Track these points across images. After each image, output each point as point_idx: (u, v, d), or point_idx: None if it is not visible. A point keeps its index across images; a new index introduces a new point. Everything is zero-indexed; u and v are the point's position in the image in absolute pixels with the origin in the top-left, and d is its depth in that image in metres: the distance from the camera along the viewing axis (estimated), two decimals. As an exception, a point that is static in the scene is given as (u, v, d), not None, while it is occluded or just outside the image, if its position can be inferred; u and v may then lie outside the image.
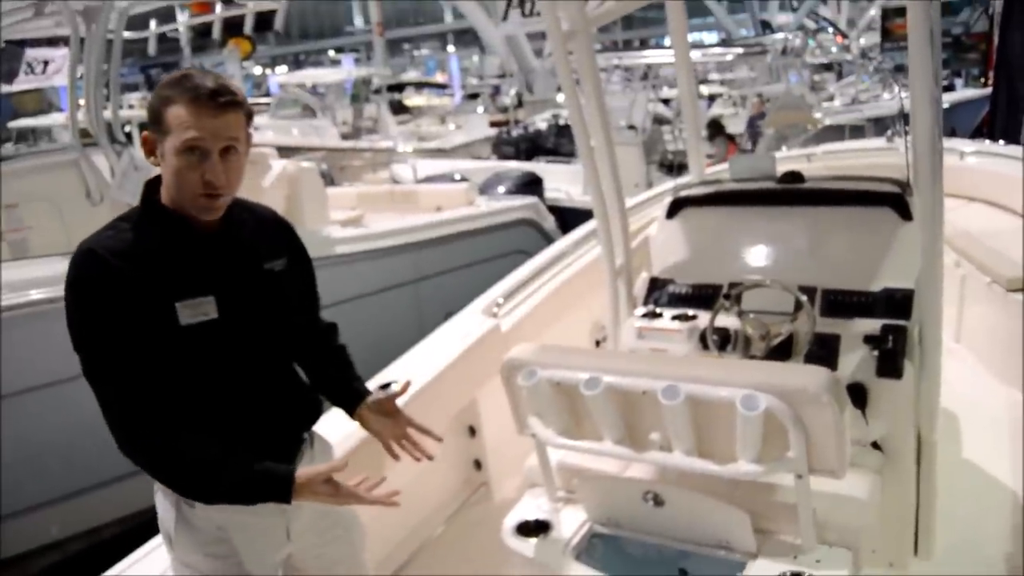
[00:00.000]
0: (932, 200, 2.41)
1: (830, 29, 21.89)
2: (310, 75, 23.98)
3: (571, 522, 2.40)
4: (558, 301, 4.13)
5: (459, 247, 7.73)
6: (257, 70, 38.23)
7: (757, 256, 3.05)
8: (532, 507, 2.48)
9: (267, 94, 25.84)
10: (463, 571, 3.12)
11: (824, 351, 2.63)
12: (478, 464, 3.71)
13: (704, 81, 20.71)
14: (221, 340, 1.84)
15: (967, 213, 5.30)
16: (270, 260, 1.97)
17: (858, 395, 2.54)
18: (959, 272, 4.55)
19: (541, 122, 16.57)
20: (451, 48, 49.00)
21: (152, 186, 1.86)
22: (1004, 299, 4.10)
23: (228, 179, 1.78)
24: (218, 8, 10.79)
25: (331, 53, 49.19)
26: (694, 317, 2.95)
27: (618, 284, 3.37)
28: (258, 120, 16.76)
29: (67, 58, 7.33)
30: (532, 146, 15.36)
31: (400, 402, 2.20)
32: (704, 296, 3.00)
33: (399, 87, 25.90)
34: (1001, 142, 6.51)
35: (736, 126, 14.23)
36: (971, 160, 5.72)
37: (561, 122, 15.30)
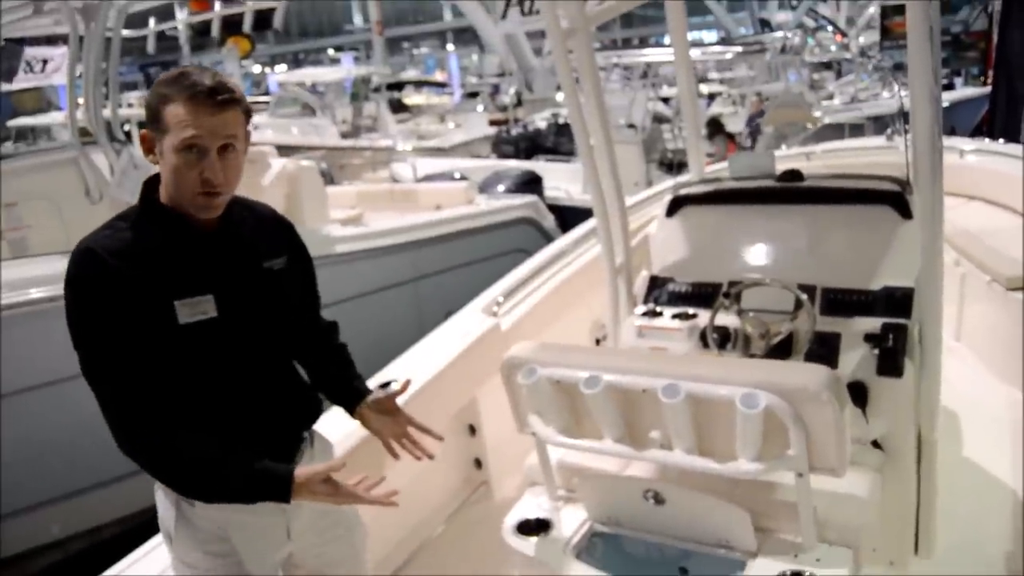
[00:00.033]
0: (932, 198, 2.41)
1: (829, 27, 21.88)
2: (309, 74, 23.95)
3: (571, 521, 2.40)
4: (558, 300, 4.13)
5: (459, 246, 7.73)
6: (256, 69, 38.19)
7: (757, 254, 3.05)
8: (532, 506, 2.48)
9: (266, 93, 25.81)
10: (463, 570, 3.12)
11: (824, 350, 2.63)
12: (478, 463, 3.71)
13: (703, 80, 20.67)
14: (220, 339, 1.84)
15: (967, 211, 5.30)
16: (269, 258, 1.96)
17: (858, 393, 2.54)
18: (959, 270, 4.55)
19: (541, 121, 16.55)
20: (450, 47, 48.96)
21: (151, 184, 1.86)
22: (1004, 298, 4.10)
23: (227, 177, 1.78)
24: (217, 6, 10.80)
25: (330, 52, 49.14)
26: (694, 316, 2.95)
27: (618, 283, 3.37)
28: (257, 119, 16.74)
29: (66, 56, 7.32)
30: (532, 145, 15.34)
31: (400, 401, 2.20)
32: (704, 295, 3.00)
33: (398, 86, 25.89)
34: (1001, 140, 6.51)
35: (736, 125, 14.21)
36: (971, 158, 5.72)
37: (561, 121, 15.28)
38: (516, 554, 2.36)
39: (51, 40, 7.82)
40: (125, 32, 7.72)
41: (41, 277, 4.88)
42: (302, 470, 1.81)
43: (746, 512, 2.12)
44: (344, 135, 17.55)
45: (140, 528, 2.39)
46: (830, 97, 15.38)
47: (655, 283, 3.21)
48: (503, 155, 15.04)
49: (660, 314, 3.02)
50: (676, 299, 3.10)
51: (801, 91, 13.13)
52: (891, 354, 2.54)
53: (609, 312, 3.42)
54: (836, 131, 10.19)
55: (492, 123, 19.15)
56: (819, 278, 2.80)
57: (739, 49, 14.50)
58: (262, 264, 1.95)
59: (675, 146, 12.20)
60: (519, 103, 20.73)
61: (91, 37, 6.86)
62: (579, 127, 3.32)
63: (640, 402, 2.15)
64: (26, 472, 4.88)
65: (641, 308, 3.12)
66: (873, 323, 2.64)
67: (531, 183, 9.88)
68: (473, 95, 26.04)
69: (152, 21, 12.02)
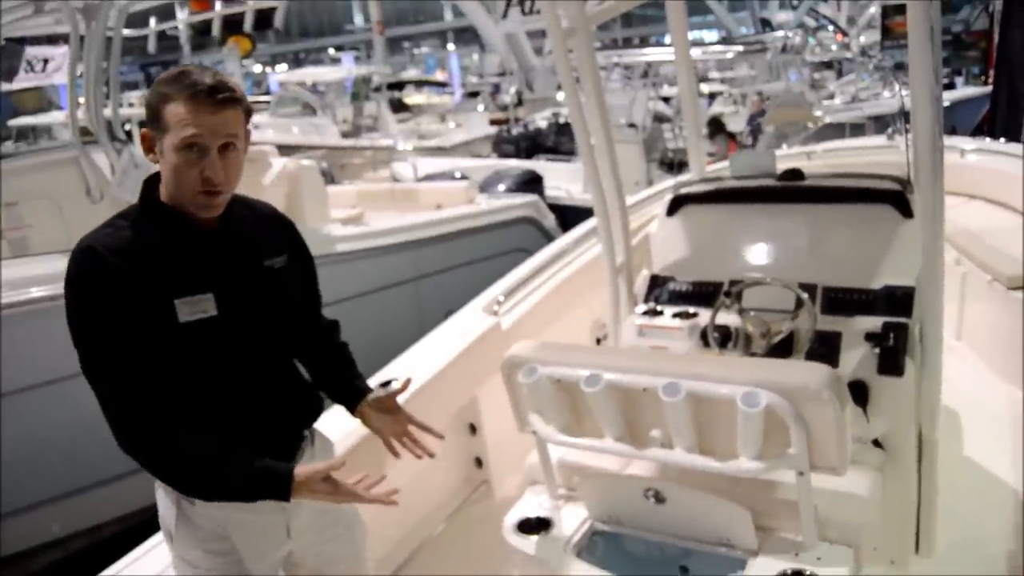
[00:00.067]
0: (933, 197, 2.40)
1: (830, 27, 21.89)
2: (310, 73, 23.95)
3: (572, 519, 2.40)
4: (558, 299, 4.13)
5: (459, 245, 7.73)
6: (257, 68, 38.18)
7: (758, 253, 3.05)
8: (533, 504, 2.48)
9: (267, 92, 25.81)
10: (464, 569, 3.12)
11: (825, 349, 2.63)
12: (479, 462, 3.71)
13: (704, 79, 20.67)
14: (220, 337, 1.83)
15: (968, 211, 5.30)
16: (270, 257, 1.96)
17: (859, 392, 2.54)
18: (960, 270, 4.55)
19: (541, 120, 16.55)
20: (451, 46, 48.96)
21: (151, 183, 1.86)
22: (1005, 297, 4.10)
23: (227, 176, 1.78)
24: (218, 6, 10.79)
25: (331, 51, 49.13)
26: (695, 315, 2.95)
27: (619, 282, 3.37)
28: (258, 118, 16.76)
29: (67, 56, 7.32)
30: (532, 144, 15.34)
31: (401, 399, 2.20)
32: (705, 294, 3.00)
33: (399, 85, 25.88)
34: (1002, 140, 6.51)
35: (737, 124, 14.21)
36: (972, 158, 5.72)
37: (561, 120, 15.28)
38: (517, 553, 2.36)
39: (52, 39, 7.83)
40: (126, 31, 7.72)
41: (42, 276, 4.88)
42: (302, 469, 1.80)
43: (747, 511, 2.12)
44: (345, 135, 17.54)
45: (140, 527, 2.40)
46: (831, 97, 15.38)
47: (656, 282, 3.21)
48: (504, 154, 15.04)
49: (661, 313, 3.02)
50: (677, 298, 3.10)
51: (802, 90, 13.14)
52: (892, 353, 2.54)
53: (610, 311, 3.42)
54: (837, 131, 10.19)
55: (493, 122, 19.15)
56: (820, 277, 2.80)
57: (740, 48, 14.48)
58: (262, 263, 1.95)
59: (676, 145, 12.19)
60: (520, 102, 20.74)
61: (92, 36, 6.86)
62: (580, 126, 3.32)
63: (641, 401, 2.15)
64: (27, 471, 4.88)
65: (642, 307, 3.12)
66: (874, 322, 2.64)
67: (532, 182, 9.87)
68: (474, 94, 26.04)
69: (153, 21, 12.01)
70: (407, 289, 7.32)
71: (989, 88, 10.85)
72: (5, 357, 4.76)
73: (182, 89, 1.72)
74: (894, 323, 2.60)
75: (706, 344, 2.85)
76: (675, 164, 11.57)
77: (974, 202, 5.47)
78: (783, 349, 2.68)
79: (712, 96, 18.71)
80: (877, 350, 2.57)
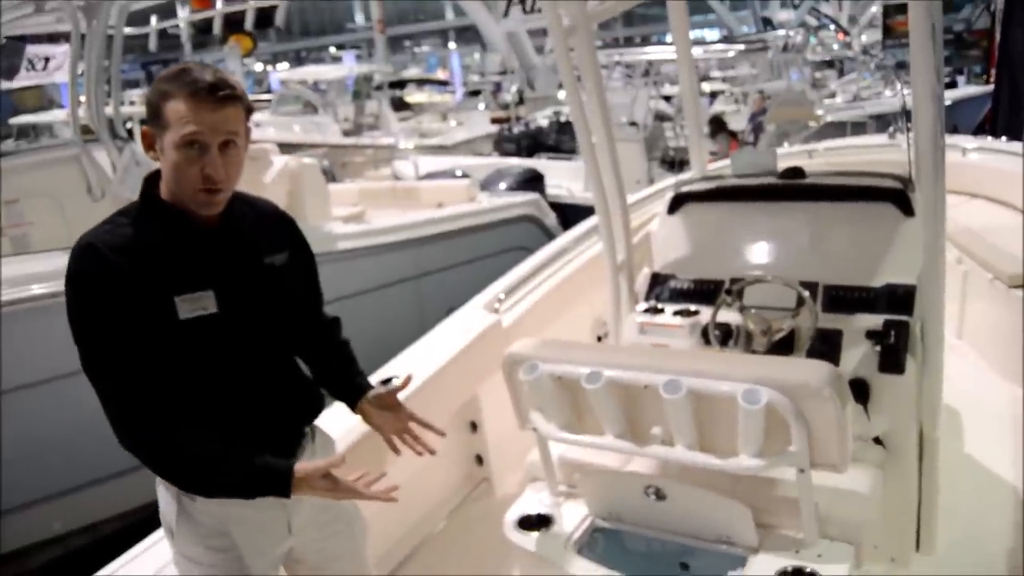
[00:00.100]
0: (934, 196, 2.40)
1: (831, 26, 21.87)
2: (311, 72, 23.94)
3: (573, 516, 2.40)
4: (559, 297, 4.13)
5: (461, 243, 7.73)
6: (258, 67, 38.21)
7: (759, 252, 3.05)
8: (534, 501, 2.48)
9: (268, 91, 25.82)
10: (465, 566, 3.12)
11: (826, 347, 2.63)
12: (479, 459, 3.71)
13: (706, 78, 20.68)
14: (221, 334, 1.83)
15: (969, 209, 5.30)
16: (271, 254, 1.96)
17: (860, 390, 2.54)
18: (961, 268, 4.55)
19: (542, 119, 16.56)
20: (452, 45, 48.94)
21: (151, 181, 1.86)
22: (1006, 295, 4.10)
23: (227, 173, 1.78)
24: (219, 4, 10.80)
25: (332, 50, 49.14)
26: (696, 313, 2.95)
27: (619, 280, 3.37)
28: (259, 117, 16.76)
29: (68, 54, 7.32)
30: (533, 143, 15.35)
31: (401, 396, 2.19)
32: (706, 291, 3.00)
33: (400, 84, 25.85)
34: (1003, 139, 6.50)
35: (738, 123, 14.22)
36: (973, 156, 5.71)
37: (562, 119, 15.28)
38: (517, 549, 2.36)
39: (53, 38, 7.83)
40: (127, 30, 7.72)
41: (43, 273, 4.89)
42: (302, 465, 1.80)
43: (747, 508, 2.12)
44: (346, 133, 17.54)
45: (141, 524, 2.39)
46: (832, 96, 15.39)
47: (657, 280, 3.21)
48: (505, 153, 15.04)
49: (661, 311, 3.02)
50: (678, 296, 3.10)
51: (803, 89, 13.14)
52: (893, 351, 2.54)
53: (611, 309, 3.42)
54: (838, 129, 10.19)
55: (494, 121, 19.15)
56: (821, 275, 2.80)
57: (741, 47, 14.48)
58: (263, 260, 1.95)
59: (677, 144, 12.19)
60: (521, 101, 20.72)
61: (93, 35, 6.86)
62: (581, 125, 3.32)
63: (641, 398, 2.15)
64: (27, 468, 4.88)
65: (643, 305, 3.12)
66: (875, 320, 2.64)
67: (533, 181, 9.87)
68: (475, 93, 26.04)
69: (154, 19, 12.04)
70: (408, 287, 7.32)
71: (991, 87, 10.83)
72: (6, 354, 4.77)
73: (183, 86, 1.72)
74: (895, 321, 2.60)
75: (707, 342, 2.85)
76: (676, 163, 11.56)
77: (975, 201, 5.46)
78: (784, 347, 2.68)
79: (713, 95, 18.72)
80: (878, 348, 2.57)
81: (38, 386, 4.86)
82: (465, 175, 9.77)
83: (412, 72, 34.30)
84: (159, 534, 2.19)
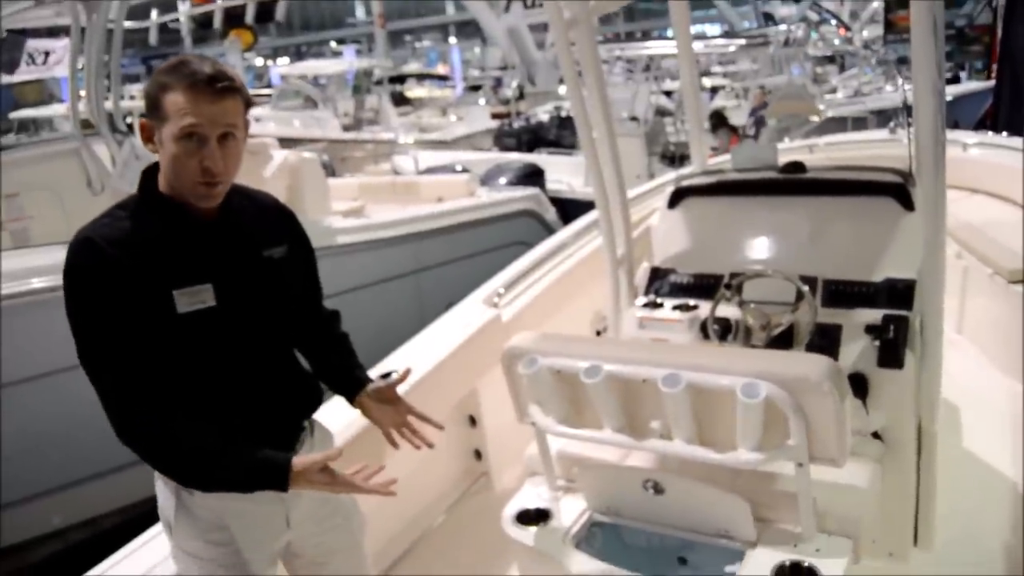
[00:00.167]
0: (935, 191, 2.40)
1: (833, 21, 21.85)
2: (312, 66, 23.96)
3: (571, 510, 2.40)
4: (559, 291, 4.13)
5: (460, 238, 7.73)
6: (259, 61, 38.19)
7: (759, 246, 3.05)
8: (532, 496, 2.48)
9: (269, 85, 25.82)
10: (463, 560, 3.13)
11: (825, 341, 2.63)
12: (478, 454, 3.71)
13: (707, 73, 20.66)
14: (219, 328, 1.83)
15: (969, 205, 5.29)
16: (269, 247, 1.95)
17: (859, 385, 2.54)
18: (961, 263, 4.55)
19: (543, 114, 16.57)
20: (453, 40, 48.90)
21: (150, 174, 1.85)
22: (1006, 291, 4.09)
23: (226, 166, 1.77)
24: (219, -2, 10.78)
25: (333, 44, 49.07)
26: (695, 307, 2.94)
27: (619, 274, 3.36)
28: (260, 111, 16.78)
29: (68, 49, 7.32)
30: (534, 138, 15.34)
31: (400, 390, 2.19)
32: (705, 286, 3.00)
33: (401, 79, 25.84)
34: (1004, 134, 6.49)
35: (739, 118, 14.21)
36: (974, 152, 5.71)
37: (563, 114, 15.29)
38: (516, 544, 2.36)
39: (53, 32, 7.83)
40: (127, 24, 7.71)
41: (42, 267, 4.88)
42: (300, 459, 1.80)
43: (746, 502, 2.12)
44: (346, 128, 17.55)
45: (140, 518, 2.39)
46: (833, 91, 15.38)
47: (656, 274, 3.21)
48: (505, 148, 15.04)
49: (661, 305, 3.02)
50: (677, 290, 3.09)
51: (804, 84, 13.12)
52: (892, 346, 2.54)
53: (610, 303, 3.41)
54: (839, 124, 10.17)
55: (494, 116, 19.16)
56: (821, 269, 2.80)
57: (742, 42, 14.51)
58: (262, 253, 1.94)
59: (677, 139, 12.20)
60: (521, 96, 20.73)
61: (93, 29, 6.85)
62: (581, 119, 3.31)
63: (640, 392, 2.14)
64: (26, 462, 4.88)
65: (642, 299, 3.12)
66: (874, 315, 2.64)
67: (533, 176, 9.87)
68: (475, 88, 26.04)
69: (154, 13, 12.01)
70: (408, 281, 7.32)
71: (992, 83, 10.82)
72: (5, 348, 4.76)
73: (181, 78, 1.71)
74: (894, 316, 2.60)
75: (706, 336, 2.85)
76: (676, 158, 11.57)
77: (976, 196, 5.45)
78: (783, 341, 2.68)
79: (714, 90, 18.72)
80: (877, 343, 2.57)
81: (38, 380, 4.85)
82: (465, 170, 9.77)
83: (412, 67, 34.28)
84: (158, 528, 2.19)
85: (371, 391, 2.17)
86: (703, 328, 2.87)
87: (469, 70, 36.51)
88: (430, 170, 10.35)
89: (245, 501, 1.84)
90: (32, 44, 7.50)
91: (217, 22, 11.44)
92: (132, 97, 15.27)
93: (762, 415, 1.98)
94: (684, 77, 4.01)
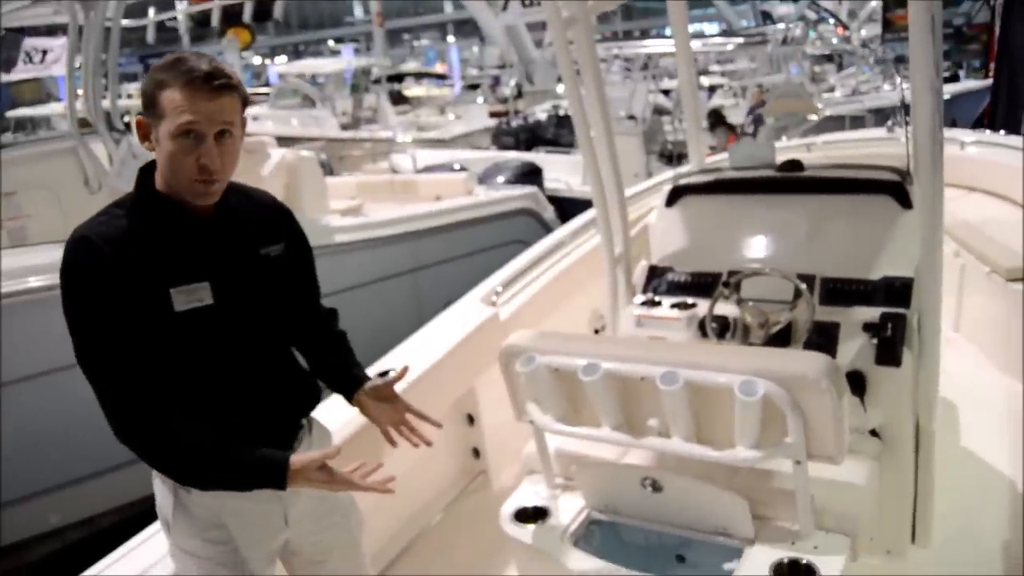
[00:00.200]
0: (932, 189, 2.40)
1: (831, 20, 21.85)
2: (310, 65, 23.93)
3: (569, 508, 2.40)
4: (557, 290, 4.13)
5: (458, 236, 7.73)
6: (256, 60, 38.14)
7: (756, 244, 3.05)
8: (530, 494, 2.48)
9: (266, 84, 25.80)
10: (461, 558, 3.13)
11: (823, 339, 2.63)
12: (476, 452, 3.71)
13: (705, 72, 20.65)
14: (216, 326, 1.83)
15: (967, 203, 5.29)
16: (266, 245, 1.95)
17: (857, 383, 2.54)
18: (959, 261, 4.55)
19: (541, 113, 16.54)
20: (451, 38, 48.93)
21: (147, 172, 1.84)
22: (1003, 289, 4.10)
23: (223, 163, 1.76)
24: (217, -3, 10.78)
25: (331, 43, 49.03)
26: (693, 305, 2.94)
27: (617, 273, 3.36)
28: (258, 110, 16.77)
29: (65, 47, 7.31)
30: (532, 136, 15.33)
31: (398, 388, 2.19)
32: (703, 284, 3.00)
33: (399, 77, 25.83)
34: (1002, 133, 6.49)
35: (737, 117, 14.21)
36: (972, 150, 5.70)
37: (561, 113, 15.27)
38: (514, 541, 2.36)
39: (51, 30, 7.82)
40: (125, 22, 7.72)
41: (40, 266, 4.88)
42: (297, 457, 1.80)
43: (744, 500, 2.13)
44: (344, 126, 17.55)
45: (138, 517, 2.39)
46: (831, 89, 15.38)
47: (654, 273, 3.20)
48: (503, 147, 15.03)
49: (659, 304, 3.02)
50: (675, 289, 3.09)
51: (802, 83, 13.12)
52: (890, 344, 2.54)
53: (608, 302, 3.41)
54: (837, 123, 10.19)
55: (492, 115, 19.12)
56: (819, 268, 2.80)
57: (740, 41, 14.49)
58: (259, 251, 1.94)
59: (675, 138, 12.20)
60: (519, 95, 20.70)
61: (90, 27, 6.85)
62: (579, 118, 3.31)
63: (638, 390, 2.14)
64: (24, 461, 4.88)
65: (640, 298, 3.11)
66: (872, 313, 2.64)
67: (531, 174, 9.87)
68: (473, 87, 25.99)
69: (152, 11, 12.01)
70: (406, 280, 7.32)
71: (990, 81, 10.83)
72: (4, 347, 4.76)
73: (178, 75, 1.70)
74: (892, 314, 2.60)
75: (704, 334, 2.85)
76: (674, 156, 11.57)
77: (974, 194, 5.46)
78: (781, 339, 2.68)
79: (712, 89, 18.71)
80: (875, 341, 2.57)
81: (36, 379, 4.85)
82: (463, 169, 9.76)
83: (410, 66, 34.30)
84: (156, 527, 2.19)
85: (369, 389, 2.16)
86: (701, 326, 2.87)
87: (467, 69, 36.49)
88: (428, 169, 10.34)
89: (243, 499, 1.84)
90: (30, 42, 7.49)
91: (215, 20, 11.45)
92: (129, 96, 15.28)
93: (760, 413, 1.98)
94: (682, 76, 4.01)
